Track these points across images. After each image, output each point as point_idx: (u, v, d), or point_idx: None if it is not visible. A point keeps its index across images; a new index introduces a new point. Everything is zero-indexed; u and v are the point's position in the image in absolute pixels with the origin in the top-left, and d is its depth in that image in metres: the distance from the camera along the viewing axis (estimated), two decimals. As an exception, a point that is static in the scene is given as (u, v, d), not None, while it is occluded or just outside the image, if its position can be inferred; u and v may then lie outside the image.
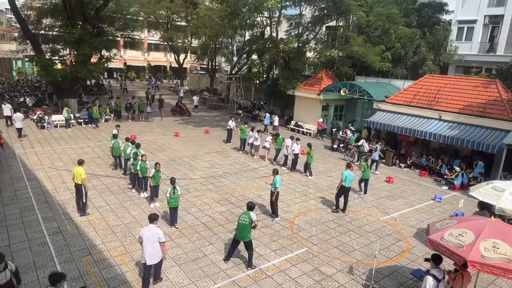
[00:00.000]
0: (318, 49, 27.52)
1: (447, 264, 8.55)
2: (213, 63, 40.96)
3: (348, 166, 12.58)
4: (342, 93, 22.83)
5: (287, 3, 25.63)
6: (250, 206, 8.68)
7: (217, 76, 38.47)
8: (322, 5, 25.59)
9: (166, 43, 46.24)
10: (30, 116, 23.38)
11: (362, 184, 14.23)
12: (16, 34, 34.62)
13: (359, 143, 19.50)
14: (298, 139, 16.88)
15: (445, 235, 6.33)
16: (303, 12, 27.14)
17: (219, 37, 34.31)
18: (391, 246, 10.23)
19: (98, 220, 10.57)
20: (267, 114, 26.15)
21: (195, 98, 33.20)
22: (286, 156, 17.07)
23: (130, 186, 13.11)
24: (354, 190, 14.42)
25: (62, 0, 23.94)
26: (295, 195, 13.71)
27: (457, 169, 16.24)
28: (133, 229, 10.11)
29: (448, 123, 17.38)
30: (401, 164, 18.88)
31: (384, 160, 18.98)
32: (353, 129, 22.20)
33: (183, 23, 42.83)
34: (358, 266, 9.02)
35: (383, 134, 20.96)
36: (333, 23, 29.26)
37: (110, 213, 11.09)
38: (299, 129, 25.61)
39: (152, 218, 7.41)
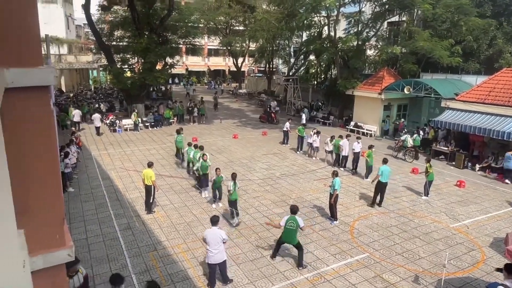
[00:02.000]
0: (379, 46, 26.42)
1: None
2: (270, 66, 41.28)
3: (385, 161, 12.53)
4: (405, 91, 21.63)
5: (346, 0, 24.98)
6: (294, 210, 8.62)
7: (274, 78, 38.70)
8: (384, 0, 24.52)
9: (225, 48, 47.63)
10: (104, 120, 25.50)
11: (427, 187, 13.38)
12: (92, 46, 38.02)
13: (402, 138, 18.63)
14: (359, 138, 16.45)
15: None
16: (363, 9, 26.24)
17: (276, 40, 34.48)
18: (463, 256, 9.43)
19: (163, 218, 11.19)
20: (305, 109, 27.30)
21: (273, 103, 32.80)
22: (343, 157, 16.60)
23: (198, 186, 13.68)
24: (418, 193, 13.58)
25: (131, 13, 25.77)
26: (355, 198, 13.27)
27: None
28: (194, 227, 10.53)
29: (531, 122, 15.62)
30: (474, 166, 17.35)
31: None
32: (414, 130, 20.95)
33: (241, 28, 43.80)
34: (425, 276, 8.44)
35: (452, 134, 19.46)
36: (395, 18, 27.86)
37: (174, 211, 11.66)
38: (359, 129, 24.76)
39: (215, 221, 7.66)
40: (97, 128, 22.72)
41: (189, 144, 15.16)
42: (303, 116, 25.65)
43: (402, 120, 23.76)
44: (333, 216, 11.22)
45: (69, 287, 6.09)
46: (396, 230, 10.78)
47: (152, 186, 11.28)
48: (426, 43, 21.76)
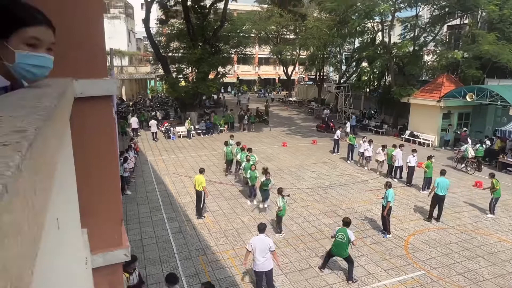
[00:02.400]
0: (437, 51, 25.03)
1: None
2: (321, 73, 40.85)
3: (442, 173, 11.87)
4: (468, 98, 20.21)
5: (401, 5, 24.05)
6: (347, 222, 8.35)
7: (325, 86, 38.19)
8: (443, 3, 23.24)
9: (275, 57, 48.01)
10: (160, 127, 26.81)
11: (493, 204, 12.26)
12: (150, 58, 40.36)
13: (462, 148, 17.29)
14: (414, 151, 15.52)
15: None
16: (420, 13, 25.09)
17: (327, 47, 34.08)
18: (536, 280, 8.51)
19: (212, 223, 11.43)
20: (353, 116, 26.66)
21: (325, 111, 32.26)
22: (397, 167, 15.83)
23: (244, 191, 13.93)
24: (481, 209, 12.52)
25: (186, 26, 27.00)
26: (410, 211, 12.57)
27: None
28: (243, 234, 10.62)
29: None
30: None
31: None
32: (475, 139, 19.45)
33: (291, 36, 43.94)
34: (490, 299, 7.73)
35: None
36: (456, 22, 26.28)
37: (223, 217, 11.87)
38: (415, 139, 23.51)
39: (262, 228, 7.68)
40: (153, 134, 24.06)
41: (238, 144, 15.56)
42: (347, 124, 24.92)
43: (465, 129, 22.18)
44: (385, 229, 10.72)
45: (129, 283, 6.43)
46: (457, 247, 10.02)
47: (203, 192, 11.60)
48: (491, 46, 20.22)
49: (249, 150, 14.54)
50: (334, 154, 20.34)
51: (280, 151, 21.03)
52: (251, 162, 13.33)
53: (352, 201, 13.43)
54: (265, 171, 12.60)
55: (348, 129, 24.11)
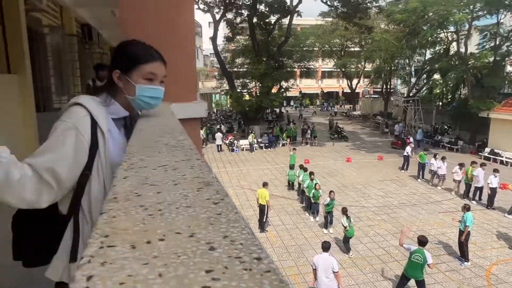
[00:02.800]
0: (523, 61, 22.75)
1: None
2: (388, 86, 39.28)
3: None
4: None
5: (480, 13, 22.38)
6: (423, 242, 7.77)
7: (392, 99, 36.58)
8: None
9: (339, 70, 47.31)
10: (224, 140, 27.74)
11: None
12: (216, 73, 42.24)
13: None
14: (496, 170, 14.11)
15: None
16: (501, 20, 23.10)
17: (395, 59, 32.80)
18: None
19: (275, 237, 11.43)
20: (420, 130, 25.21)
21: (398, 127, 29.56)
22: (477, 188, 14.47)
23: (303, 207, 13.76)
24: None
25: (251, 42, 27.87)
26: (492, 237, 11.39)
27: None
28: (306, 251, 10.46)
29: None
30: None
31: None
32: None
33: (356, 49, 43.06)
34: None
35: None
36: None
37: (285, 232, 11.82)
38: (496, 157, 21.38)
39: (326, 247, 7.52)
40: (218, 146, 24.99)
41: (301, 167, 15.34)
42: (411, 139, 23.34)
43: None
44: (463, 256, 9.82)
45: None
46: (551, 283, 8.84)
47: (266, 206, 11.69)
48: None
49: (311, 174, 14.27)
50: (403, 171, 19.27)
51: (343, 167, 20.47)
52: (314, 182, 13.14)
53: (424, 222, 12.55)
54: (329, 192, 12.30)
55: (418, 137, 22.70)
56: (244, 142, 26.06)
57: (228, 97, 35.61)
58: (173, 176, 0.54)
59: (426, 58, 32.31)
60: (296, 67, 37.10)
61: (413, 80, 36.49)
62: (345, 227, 10.10)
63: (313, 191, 12.65)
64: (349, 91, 48.13)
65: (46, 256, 1.39)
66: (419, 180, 17.63)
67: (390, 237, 11.42)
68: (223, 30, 36.25)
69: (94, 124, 1.33)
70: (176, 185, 0.48)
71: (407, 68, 36.96)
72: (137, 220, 0.39)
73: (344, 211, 10.30)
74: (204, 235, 0.38)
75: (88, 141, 1.31)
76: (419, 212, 13.56)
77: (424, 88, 34.79)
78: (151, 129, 1.03)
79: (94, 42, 11.43)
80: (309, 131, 27.36)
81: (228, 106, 46.48)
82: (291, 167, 16.93)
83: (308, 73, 43.34)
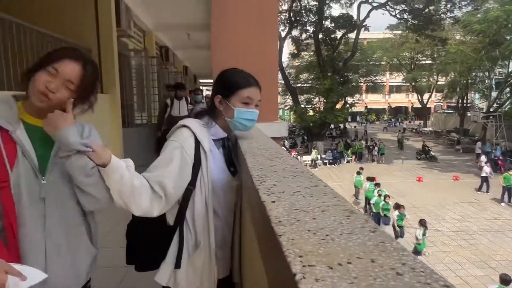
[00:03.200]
0: None
1: None
2: (464, 101, 36.43)
3: None
4: None
5: None
6: (506, 280, 6.99)
7: (469, 114, 33.86)
8: None
9: (408, 84, 45.11)
10: (287, 155, 27.80)
11: None
12: (279, 89, 42.80)
13: None
14: None
15: None
16: None
17: (472, 72, 30.41)
18: None
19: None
20: (498, 147, 23.29)
21: (480, 144, 26.54)
22: None
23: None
24: None
25: (316, 58, 27.89)
26: None
27: None
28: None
29: None
30: None
31: None
32: None
33: (427, 62, 40.77)
34: None
35: None
36: None
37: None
38: None
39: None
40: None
41: (368, 179, 14.87)
42: (482, 158, 20.66)
43: None
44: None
45: None
46: None
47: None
48: None
49: (377, 185, 13.78)
50: (482, 193, 17.59)
51: (414, 186, 19.27)
52: (382, 193, 12.76)
53: (510, 252, 11.27)
54: (398, 206, 11.76)
55: (483, 164, 20.27)
56: (307, 158, 25.84)
57: (292, 112, 35.74)
58: (315, 202, 0.61)
59: (510, 70, 29.48)
60: (362, 81, 36.11)
61: (494, 94, 33.42)
62: (417, 239, 9.54)
63: (382, 203, 12.26)
64: (419, 106, 45.52)
65: (155, 262, 1.56)
66: (502, 204, 15.94)
67: (469, 265, 10.44)
68: (287, 46, 36.81)
69: (197, 144, 1.50)
70: (324, 212, 0.55)
71: (486, 81, 34.01)
72: (314, 243, 0.45)
73: (423, 222, 9.81)
74: (383, 261, 0.43)
75: (192, 159, 1.48)
76: (504, 239, 12.22)
77: (508, 102, 31.65)
78: (257, 151, 1.14)
79: (170, 62, 12.37)
80: (376, 148, 26.33)
81: (292, 121, 46.65)
82: (358, 173, 16.86)
83: (374, 88, 41.95)
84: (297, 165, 0.88)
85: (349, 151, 26.85)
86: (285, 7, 27.60)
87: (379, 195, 12.84)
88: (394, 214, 11.60)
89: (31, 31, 4.08)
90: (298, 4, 27.80)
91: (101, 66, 6.20)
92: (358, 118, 54.47)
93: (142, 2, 7.89)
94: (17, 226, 1.23)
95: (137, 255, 1.60)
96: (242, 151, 1.12)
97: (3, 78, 3.39)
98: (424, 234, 9.68)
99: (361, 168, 17.72)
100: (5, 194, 1.21)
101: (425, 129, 42.79)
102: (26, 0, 5.58)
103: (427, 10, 26.34)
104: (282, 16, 27.66)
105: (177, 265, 1.51)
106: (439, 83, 40.84)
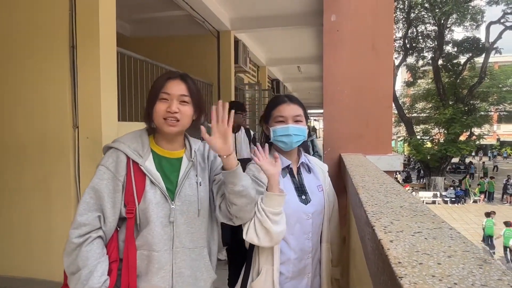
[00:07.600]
0: None
1: None
2: None
3: None
4: None
5: None
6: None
7: None
8: None
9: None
10: (400, 190, 25.68)
11: None
12: (392, 119, 40.36)
13: None
14: None
15: None
16: None
17: None
18: None
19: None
20: None
21: None
22: None
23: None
24: None
25: (435, 85, 25.66)
26: None
27: None
28: None
29: None
30: None
31: None
32: None
33: None
34: None
35: None
36: None
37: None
38: None
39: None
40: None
41: (507, 224, 12.61)
42: None
43: None
44: None
45: None
46: None
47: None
48: None
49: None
50: None
51: None
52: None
53: None
54: None
55: None
56: (424, 195, 23.43)
57: (406, 144, 33.20)
58: (439, 246, 0.57)
59: None
60: (493, 110, 31.59)
61: None
62: None
63: None
64: None
65: (234, 282, 1.66)
66: None
67: None
68: (401, 74, 34.82)
69: None
70: (450, 258, 0.51)
71: None
72: (441, 290, 0.42)
73: None
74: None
75: None
76: None
77: None
78: (371, 185, 1.10)
79: (280, 94, 12.95)
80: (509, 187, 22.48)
81: (405, 153, 43.28)
82: (487, 214, 14.24)
83: (509, 118, 36.23)
84: (417, 203, 0.82)
85: (477, 190, 23.43)
86: (399, 34, 26.42)
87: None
88: None
89: (164, 70, 4.85)
90: (414, 30, 26.32)
91: (219, 98, 6.86)
92: (489, 153, 47.57)
93: (256, 39, 8.54)
94: (135, 249, 1.34)
95: (231, 275, 1.72)
96: (354, 185, 1.10)
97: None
98: None
99: (493, 212, 15.23)
100: (130, 223, 1.33)
101: None
102: (164, 46, 6.73)
103: None
104: (396, 44, 26.50)
105: (243, 286, 1.56)
106: None
